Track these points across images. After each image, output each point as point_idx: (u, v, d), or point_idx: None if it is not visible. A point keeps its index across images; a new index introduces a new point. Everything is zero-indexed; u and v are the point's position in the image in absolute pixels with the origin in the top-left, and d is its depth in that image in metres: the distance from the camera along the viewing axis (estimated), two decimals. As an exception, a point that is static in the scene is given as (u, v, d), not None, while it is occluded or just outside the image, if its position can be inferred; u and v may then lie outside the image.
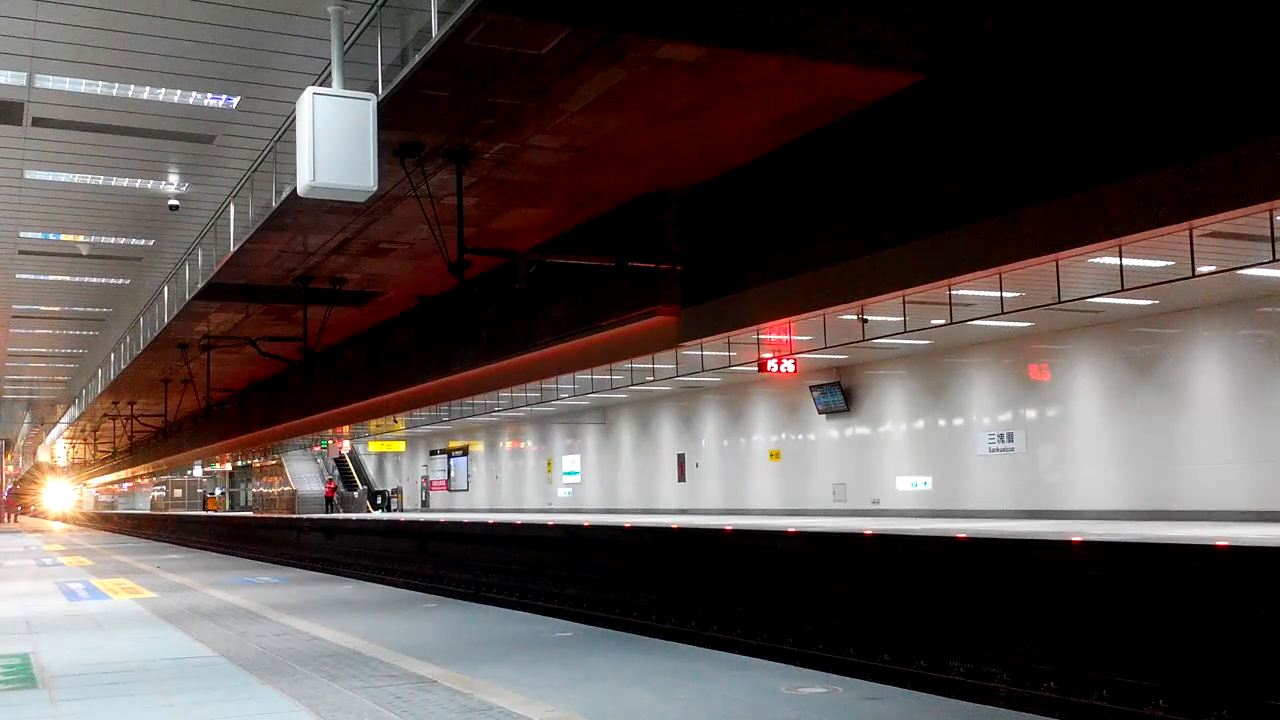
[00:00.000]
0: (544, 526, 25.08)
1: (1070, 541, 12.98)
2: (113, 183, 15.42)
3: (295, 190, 9.30)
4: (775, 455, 28.40)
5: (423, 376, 22.51)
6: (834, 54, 10.19)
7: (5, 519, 65.00)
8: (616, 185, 14.17)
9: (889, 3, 10.29)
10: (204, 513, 63.86)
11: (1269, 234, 11.79)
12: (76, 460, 63.34)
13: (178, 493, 77.06)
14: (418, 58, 9.91)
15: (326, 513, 45.74)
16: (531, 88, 10.71)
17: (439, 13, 9.47)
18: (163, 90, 12.23)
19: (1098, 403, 20.00)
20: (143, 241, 18.64)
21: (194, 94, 12.36)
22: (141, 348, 25.13)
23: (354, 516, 41.35)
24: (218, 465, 61.86)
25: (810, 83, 10.81)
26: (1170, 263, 13.49)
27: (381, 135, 9.18)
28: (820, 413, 26.47)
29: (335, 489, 49.73)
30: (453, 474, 48.33)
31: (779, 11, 9.95)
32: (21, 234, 17.96)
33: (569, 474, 38.67)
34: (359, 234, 15.98)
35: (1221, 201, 8.99)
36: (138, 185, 15.58)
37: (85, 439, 52.29)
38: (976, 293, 15.72)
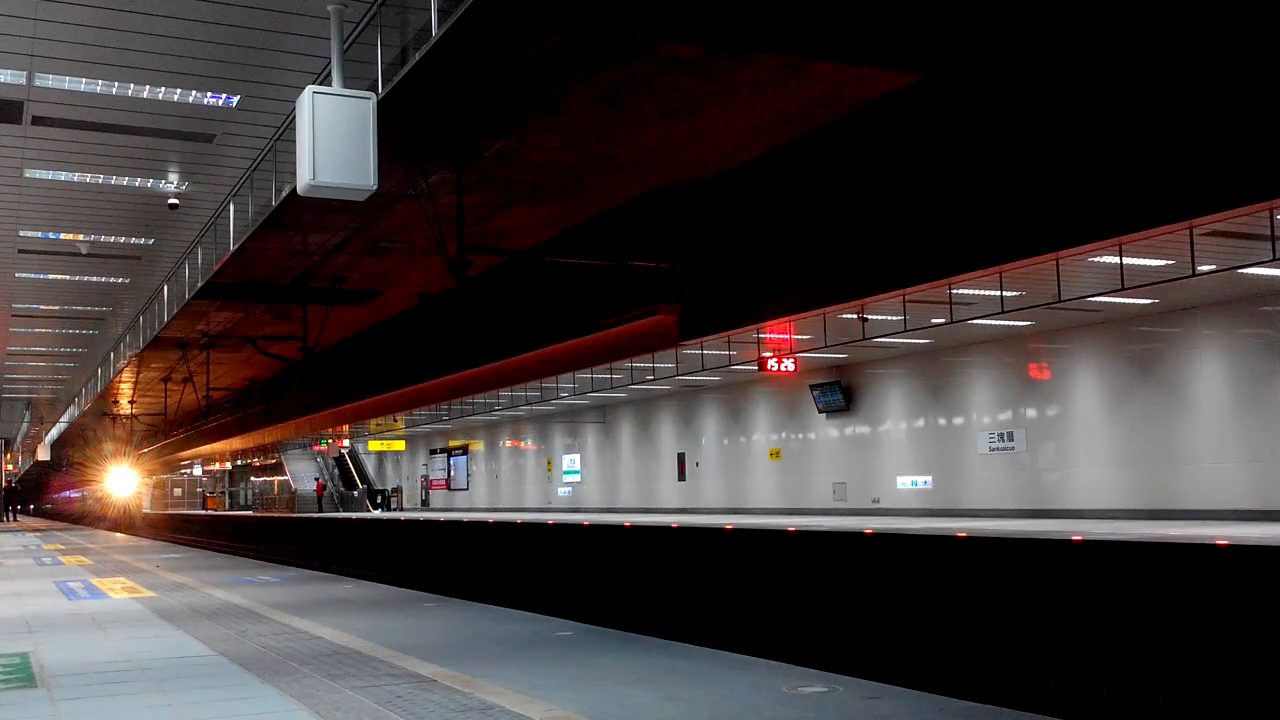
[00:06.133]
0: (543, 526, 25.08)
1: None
2: (113, 182, 15.41)
3: (295, 189, 9.30)
4: (775, 454, 28.41)
5: (423, 376, 22.51)
6: (834, 54, 10.19)
7: (4, 519, 63.03)
8: (616, 185, 14.16)
9: (889, 2, 10.28)
10: (204, 512, 63.80)
11: (1269, 233, 11.80)
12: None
13: (177, 491, 77.06)
14: (418, 56, 9.90)
15: (318, 512, 45.81)
16: (531, 87, 10.70)
17: (439, 11, 9.46)
18: (163, 89, 12.22)
19: (1098, 402, 20.00)
20: (142, 241, 18.62)
21: (194, 93, 12.34)
22: (142, 346, 25.14)
23: (353, 516, 41.34)
24: (216, 464, 61.79)
25: (810, 82, 10.80)
26: (1170, 262, 13.51)
27: (381, 134, 9.18)
28: (820, 411, 26.48)
29: (324, 488, 49.76)
30: (453, 473, 48.34)
31: (779, 11, 9.95)
32: (21, 233, 17.94)
33: (569, 473, 38.67)
34: (359, 233, 15.97)
35: (1222, 201, 8.99)
36: (138, 184, 15.57)
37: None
38: (977, 291, 15.74)
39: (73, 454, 57.11)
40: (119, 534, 40.43)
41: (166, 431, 40.21)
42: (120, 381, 30.91)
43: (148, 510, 63.06)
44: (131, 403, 35.12)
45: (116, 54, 11.26)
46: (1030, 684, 10.62)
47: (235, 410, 35.26)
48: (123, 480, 49.87)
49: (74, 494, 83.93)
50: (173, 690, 6.36)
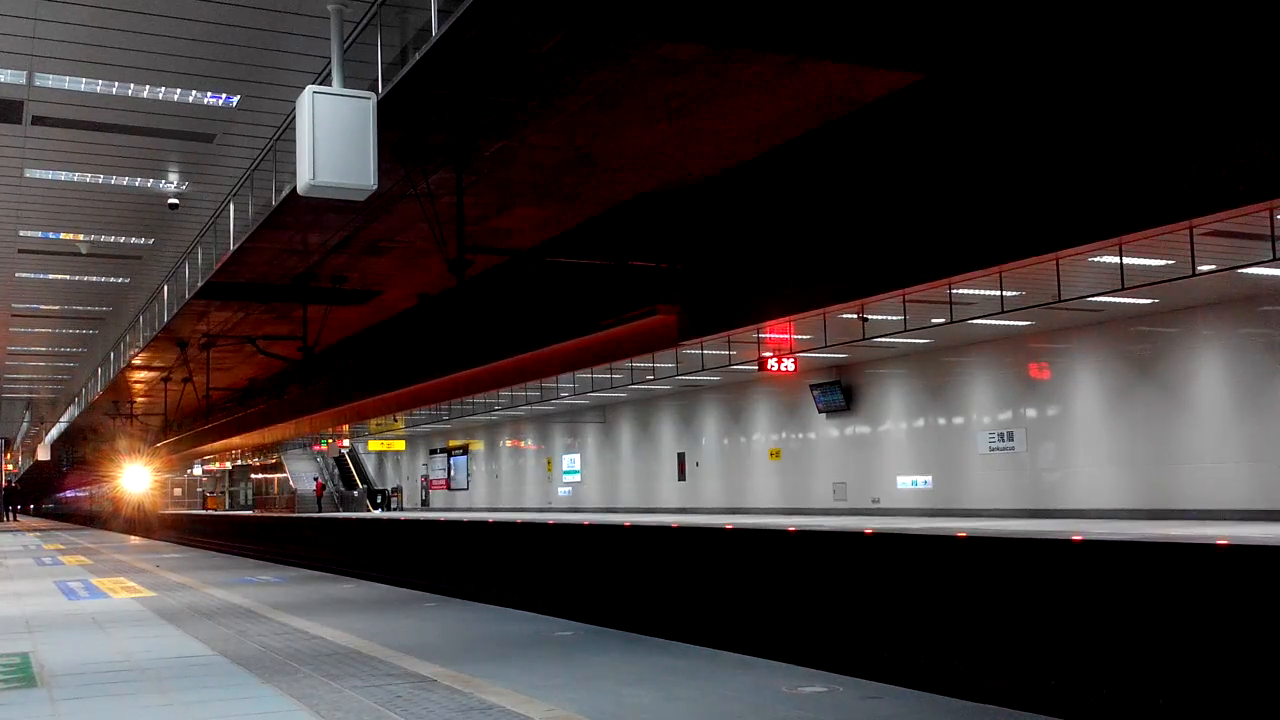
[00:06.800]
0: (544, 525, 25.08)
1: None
2: (112, 182, 15.42)
3: (295, 189, 9.30)
4: (775, 454, 28.40)
5: (423, 376, 22.51)
6: (834, 54, 10.18)
7: (4, 519, 62.59)
8: (616, 185, 14.16)
9: (889, 2, 10.28)
10: (207, 512, 63.73)
11: (1269, 233, 11.79)
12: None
13: (177, 491, 77.03)
14: (418, 56, 9.91)
15: (318, 512, 45.80)
16: (531, 87, 10.70)
17: (439, 11, 9.46)
18: (163, 89, 12.23)
19: (1098, 401, 20.00)
20: (142, 240, 18.64)
21: (194, 93, 12.36)
22: (142, 346, 25.14)
23: (353, 516, 41.36)
24: (216, 464, 61.76)
25: (810, 82, 10.80)
26: (1170, 262, 13.50)
27: (381, 134, 9.18)
28: (820, 411, 26.47)
29: (324, 488, 49.74)
30: (453, 473, 48.33)
31: (779, 11, 9.95)
32: (21, 233, 17.96)
33: (569, 473, 38.67)
34: (359, 233, 15.98)
35: (1222, 201, 8.99)
36: (137, 184, 15.58)
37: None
38: (977, 291, 15.73)
39: (78, 451, 56.42)
40: (132, 536, 37.86)
41: (167, 432, 40.24)
42: (121, 381, 30.98)
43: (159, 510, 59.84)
44: (130, 403, 35.16)
45: (116, 54, 11.27)
46: (1030, 684, 10.62)
47: (235, 410, 35.29)
48: (136, 478, 47.13)
49: (80, 493, 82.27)
50: (173, 690, 6.36)
